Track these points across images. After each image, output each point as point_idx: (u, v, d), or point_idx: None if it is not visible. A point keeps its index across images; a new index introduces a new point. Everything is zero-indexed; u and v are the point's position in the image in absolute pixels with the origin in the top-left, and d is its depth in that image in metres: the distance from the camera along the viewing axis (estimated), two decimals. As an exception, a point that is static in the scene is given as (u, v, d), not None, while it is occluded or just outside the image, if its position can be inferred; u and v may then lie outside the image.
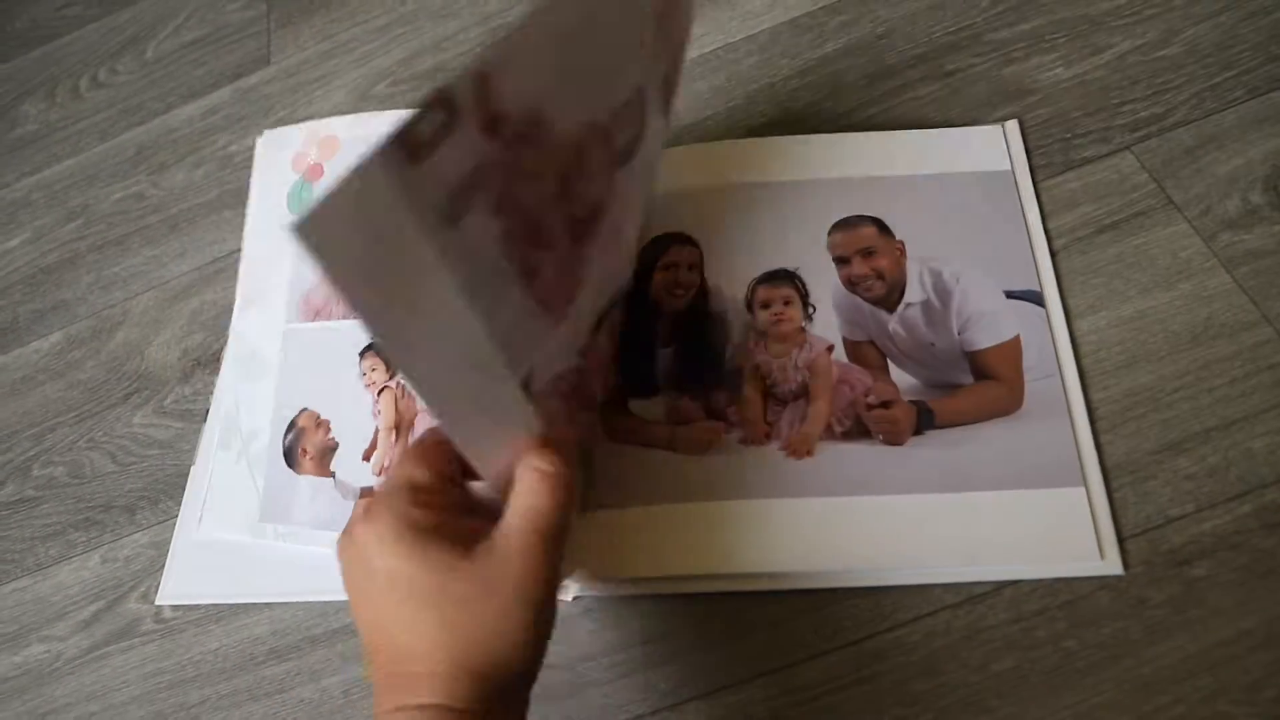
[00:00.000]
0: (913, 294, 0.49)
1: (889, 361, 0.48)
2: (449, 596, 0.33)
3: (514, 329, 0.33)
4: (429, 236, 0.27)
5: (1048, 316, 0.47)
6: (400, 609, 0.33)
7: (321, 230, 0.23)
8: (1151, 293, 0.47)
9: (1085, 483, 0.43)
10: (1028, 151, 0.52)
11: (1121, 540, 0.41)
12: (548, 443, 0.37)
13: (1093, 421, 0.44)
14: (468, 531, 0.35)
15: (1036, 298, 0.48)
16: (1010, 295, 0.48)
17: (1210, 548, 0.41)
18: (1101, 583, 0.41)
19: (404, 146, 0.24)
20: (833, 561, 0.43)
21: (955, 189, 0.52)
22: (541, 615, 0.35)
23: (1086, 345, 0.46)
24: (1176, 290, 0.46)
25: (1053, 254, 0.49)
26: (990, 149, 0.52)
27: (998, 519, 0.43)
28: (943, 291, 0.49)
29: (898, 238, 0.51)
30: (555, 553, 0.35)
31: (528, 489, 0.36)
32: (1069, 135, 0.52)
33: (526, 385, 0.36)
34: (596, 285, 0.39)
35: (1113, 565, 0.41)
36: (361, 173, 0.23)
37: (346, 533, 0.36)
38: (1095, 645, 0.40)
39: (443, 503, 0.36)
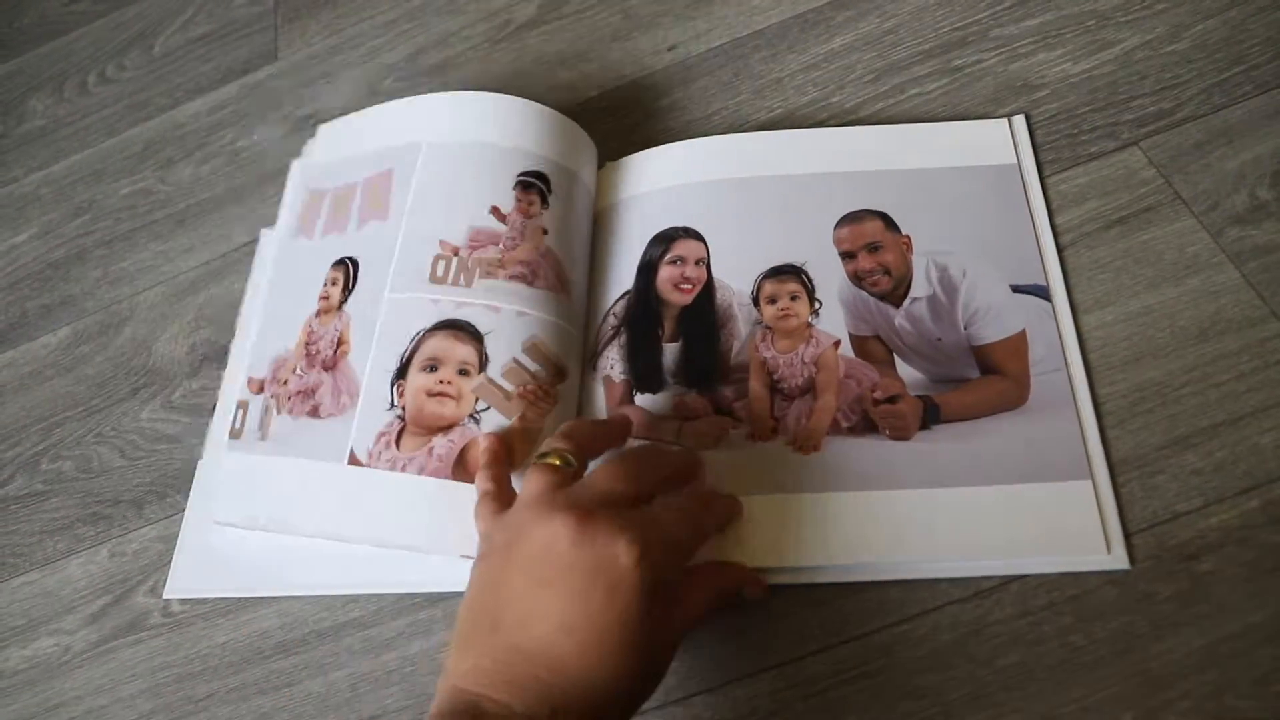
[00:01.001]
0: (919, 288, 0.49)
1: (895, 356, 0.48)
2: (653, 657, 0.37)
3: None
4: None
5: (1054, 311, 0.47)
6: (613, 648, 0.35)
7: None
8: (1159, 288, 0.47)
9: (1092, 477, 0.43)
10: (1035, 147, 0.52)
11: (1128, 535, 0.41)
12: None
13: (1099, 416, 0.44)
14: None
15: (1043, 292, 0.48)
16: (1016, 289, 0.48)
17: (1217, 543, 0.40)
18: (1108, 577, 0.41)
19: None
20: (839, 556, 0.43)
21: (962, 183, 0.52)
22: None
23: (1093, 340, 0.46)
24: (1184, 285, 0.46)
25: (1060, 249, 0.49)
26: (997, 143, 0.52)
27: (1004, 513, 0.42)
28: (949, 286, 0.49)
29: (904, 232, 0.51)
30: None
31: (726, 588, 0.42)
32: (1076, 131, 0.52)
33: None
34: None
35: (1119, 560, 0.41)
36: None
37: (597, 533, 0.36)
38: (1102, 640, 0.40)
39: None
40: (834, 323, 0.49)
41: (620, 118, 0.62)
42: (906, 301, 0.49)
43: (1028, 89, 0.55)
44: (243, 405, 0.53)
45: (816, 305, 0.50)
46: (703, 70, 0.63)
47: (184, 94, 0.75)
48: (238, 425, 0.52)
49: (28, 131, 0.77)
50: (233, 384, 0.57)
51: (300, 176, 0.60)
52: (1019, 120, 0.53)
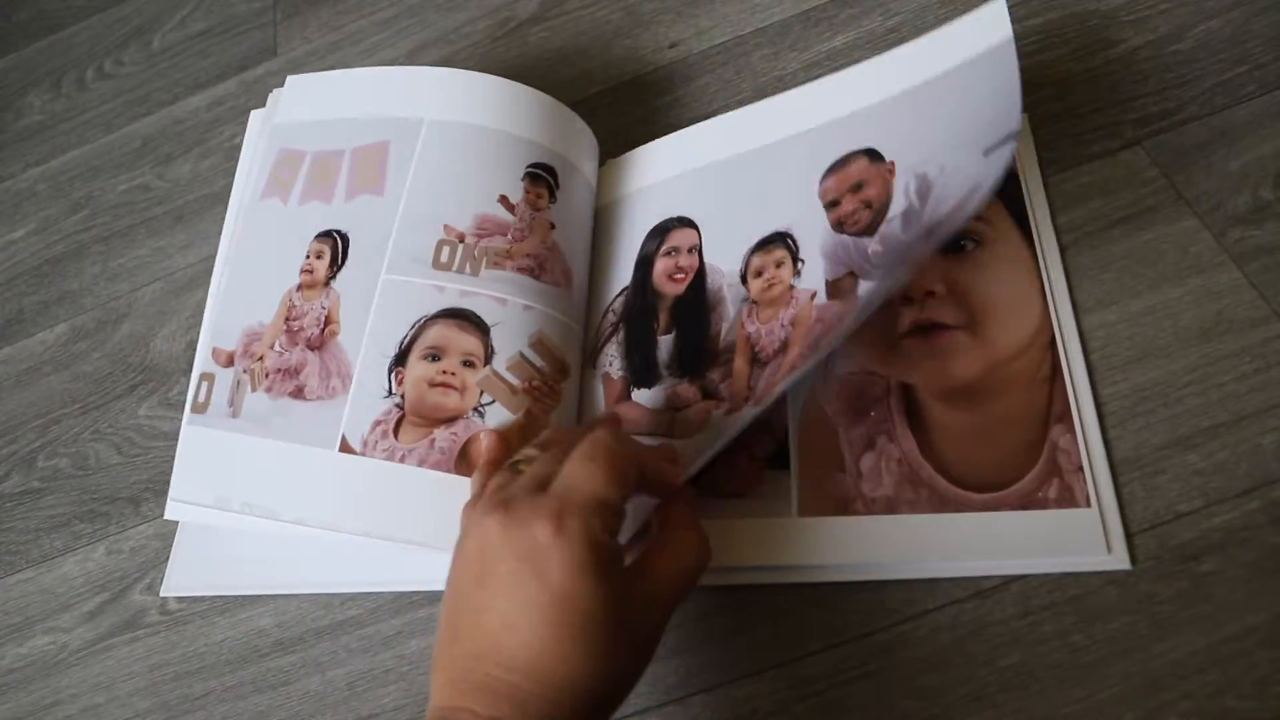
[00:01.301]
0: (895, 207, 0.46)
1: (858, 281, 0.45)
2: (607, 633, 0.34)
3: None
4: None
5: (1054, 305, 0.46)
6: (554, 629, 0.33)
7: None
8: (1161, 288, 0.47)
9: (1093, 477, 0.42)
10: (1037, 146, 0.52)
11: (1129, 535, 0.41)
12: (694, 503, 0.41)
13: (1100, 416, 0.44)
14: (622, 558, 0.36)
15: (1012, 136, 0.41)
16: (988, 152, 0.42)
17: (1218, 543, 0.40)
18: (1109, 578, 0.41)
19: None
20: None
21: (954, 82, 0.47)
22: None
23: (1095, 340, 0.46)
24: (1186, 286, 0.46)
25: (1062, 249, 0.49)
26: (990, 25, 0.46)
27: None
28: (924, 190, 0.46)
29: (889, 159, 0.48)
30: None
31: (687, 549, 0.38)
32: (1079, 130, 0.52)
33: None
34: None
35: (1120, 560, 0.41)
36: None
37: (516, 521, 0.35)
38: (1102, 640, 0.40)
39: (618, 527, 0.36)
40: (815, 277, 0.47)
41: (622, 115, 0.62)
42: (882, 226, 0.46)
43: (1031, 88, 0.54)
44: (207, 378, 0.50)
45: (799, 265, 0.48)
46: (704, 68, 0.62)
47: (183, 90, 0.75)
48: (201, 399, 0.49)
49: (25, 127, 0.77)
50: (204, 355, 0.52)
51: (267, 131, 0.56)
52: (1022, 119, 0.52)
